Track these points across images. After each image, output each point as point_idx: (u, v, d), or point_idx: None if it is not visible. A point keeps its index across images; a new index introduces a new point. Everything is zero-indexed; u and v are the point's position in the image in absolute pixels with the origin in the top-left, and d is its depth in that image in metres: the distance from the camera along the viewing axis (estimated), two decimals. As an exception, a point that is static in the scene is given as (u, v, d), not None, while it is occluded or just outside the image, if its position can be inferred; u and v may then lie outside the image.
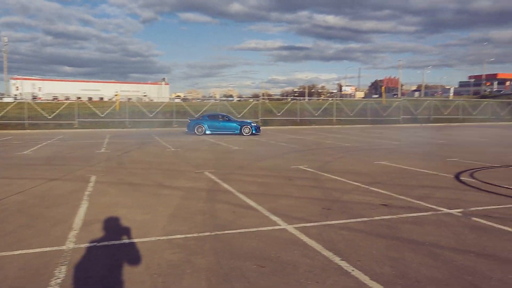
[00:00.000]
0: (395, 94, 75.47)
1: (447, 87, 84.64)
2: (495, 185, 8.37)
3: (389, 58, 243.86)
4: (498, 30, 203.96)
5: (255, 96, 73.33)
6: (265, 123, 33.19)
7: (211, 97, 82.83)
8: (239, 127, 23.80)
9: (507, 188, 8.07)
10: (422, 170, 10.34)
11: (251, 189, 8.00)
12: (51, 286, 3.65)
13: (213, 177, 9.27)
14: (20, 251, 4.53)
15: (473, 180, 9.00)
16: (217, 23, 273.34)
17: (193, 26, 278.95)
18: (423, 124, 35.63)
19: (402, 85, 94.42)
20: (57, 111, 31.58)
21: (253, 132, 23.80)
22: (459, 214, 6.12)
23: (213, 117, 25.04)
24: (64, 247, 4.64)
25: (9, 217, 5.97)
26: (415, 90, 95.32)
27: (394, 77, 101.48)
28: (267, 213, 6.11)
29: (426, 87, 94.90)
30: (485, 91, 68.39)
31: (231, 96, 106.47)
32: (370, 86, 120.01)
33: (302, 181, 8.96)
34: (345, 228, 5.41)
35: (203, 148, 16.42)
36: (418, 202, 6.88)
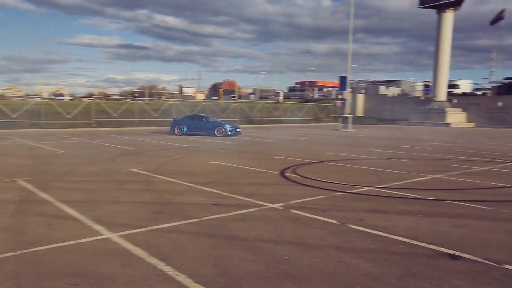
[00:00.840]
0: (233, 97, 79.39)
1: (278, 91, 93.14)
2: (312, 178, 9.40)
3: (227, 62, 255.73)
4: (317, 43, 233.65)
5: (90, 96, 68.01)
6: (100, 124, 31.03)
7: (36, 95, 73.48)
8: (213, 128, 23.48)
9: (320, 181, 9.14)
10: (253, 168, 10.99)
11: (75, 197, 7.26)
12: None
13: (28, 186, 8.11)
14: None
15: (295, 175, 9.94)
16: (44, 13, 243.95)
17: (16, 13, 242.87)
18: (258, 125, 38.31)
19: (239, 88, 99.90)
20: None
21: (228, 133, 23.24)
22: (281, 208, 6.64)
23: (192, 117, 25.62)
24: None
25: None
26: (251, 93, 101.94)
27: (232, 80, 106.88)
28: (89, 223, 5.59)
29: (261, 90, 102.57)
30: (309, 96, 77.64)
31: (61, 94, 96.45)
32: (210, 88, 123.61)
33: (134, 184, 8.55)
34: (174, 231, 5.31)
35: (21, 153, 14.34)
36: (246, 199, 7.23)
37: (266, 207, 6.68)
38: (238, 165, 11.64)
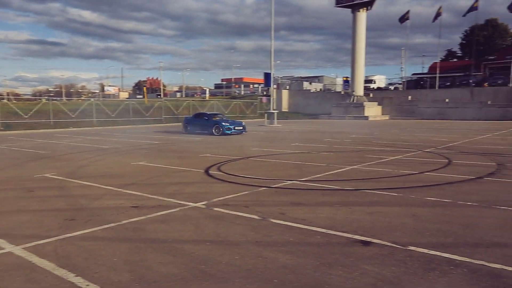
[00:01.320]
0: (158, 95, 77.44)
1: (204, 89, 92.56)
2: (236, 175, 9.44)
3: (151, 59, 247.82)
4: (242, 40, 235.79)
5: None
6: (8, 127, 28.52)
7: None
8: (212, 126, 22.77)
9: (244, 177, 9.21)
10: (177, 168, 10.77)
11: (-26, 208, 6.57)
12: None
13: None
14: None
15: (220, 173, 9.91)
16: None
17: None
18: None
19: (164, 86, 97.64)
20: None
21: (226, 132, 22.18)
22: (203, 206, 6.57)
23: (198, 115, 25.40)
24: None
25: None
26: (177, 91, 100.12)
27: (157, 78, 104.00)
28: (-10, 236, 5.08)
29: (187, 88, 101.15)
30: (235, 92, 78.18)
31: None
32: (134, 87, 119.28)
33: (45, 191, 7.96)
34: (88, 239, 5.01)
35: None
36: (168, 199, 7.05)
37: (188, 206, 6.57)
38: (162, 165, 11.34)
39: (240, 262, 4.21)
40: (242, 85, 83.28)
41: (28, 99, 60.66)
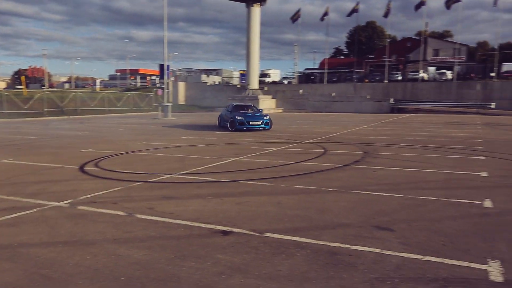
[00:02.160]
0: (42, 85, 70.66)
1: (98, 79, 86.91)
2: (113, 171, 9.03)
3: (35, 46, 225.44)
4: (138, 30, 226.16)
5: None
6: None
7: None
8: (228, 120, 20.62)
9: (121, 172, 8.86)
10: (48, 165, 9.95)
11: None
12: None
13: None
14: None
15: (97, 168, 9.39)
16: None
17: None
18: (71, 116, 35.02)
19: (51, 76, 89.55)
20: None
21: (238, 127, 19.73)
22: (67, 205, 6.16)
23: (235, 107, 21.92)
24: None
25: None
26: (65, 82, 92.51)
27: (40, 66, 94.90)
28: None
29: (78, 79, 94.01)
30: (131, 84, 74.77)
31: None
32: (13, 76, 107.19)
33: None
34: None
35: None
36: (27, 200, 6.48)
37: (49, 206, 6.10)
38: (32, 162, 10.38)
39: (90, 262, 4.03)
40: (139, 77, 79.85)
41: None
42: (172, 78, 58.58)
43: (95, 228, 5.07)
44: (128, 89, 61.14)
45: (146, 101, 47.94)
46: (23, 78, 49.39)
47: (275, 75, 68.35)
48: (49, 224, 5.26)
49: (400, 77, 53.11)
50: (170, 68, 63.01)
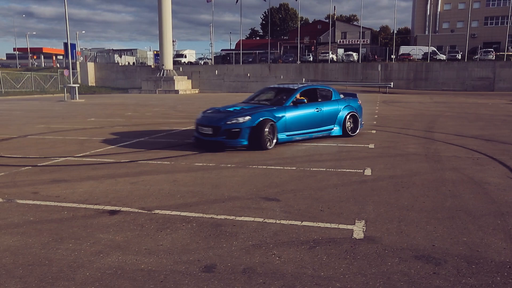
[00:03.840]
0: None
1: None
2: (1, 156, 8.29)
3: None
4: (40, 5, 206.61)
5: None
6: None
7: None
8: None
9: (8, 157, 8.15)
10: None
11: None
12: None
13: None
14: None
15: (-19, 154, 8.52)
16: None
17: None
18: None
19: None
20: None
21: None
22: None
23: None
24: None
25: None
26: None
27: None
28: None
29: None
30: (33, 64, 68.43)
31: None
32: None
33: None
34: None
35: None
36: None
37: None
38: None
39: (-49, 252, 3.67)
40: (42, 56, 73.24)
41: None
42: (81, 58, 54.78)
43: (-35, 217, 4.62)
44: (29, 69, 55.95)
45: (51, 82, 44.34)
46: None
47: (191, 55, 67.06)
48: None
49: (311, 58, 55.20)
50: (79, 48, 58.79)
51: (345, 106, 10.58)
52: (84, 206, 4.99)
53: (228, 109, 9.30)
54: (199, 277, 3.20)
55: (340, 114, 10.42)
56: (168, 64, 48.19)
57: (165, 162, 7.64)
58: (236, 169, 7.03)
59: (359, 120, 10.94)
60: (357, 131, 10.83)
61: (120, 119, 16.44)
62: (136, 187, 5.89)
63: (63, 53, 73.78)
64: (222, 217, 4.54)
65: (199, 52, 71.88)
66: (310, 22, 79.22)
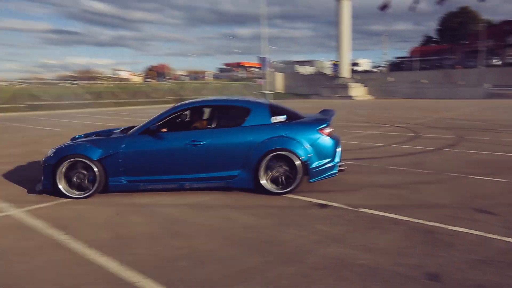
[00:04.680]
0: (166, 78, 76.72)
1: (208, 72, 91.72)
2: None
3: (160, 46, 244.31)
4: (241, 28, 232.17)
5: (22, 80, 61.66)
6: (34, 108, 28.38)
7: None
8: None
9: None
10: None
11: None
12: None
13: None
14: None
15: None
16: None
17: None
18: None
19: (172, 71, 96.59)
20: None
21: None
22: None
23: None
24: None
25: None
26: (184, 75, 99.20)
27: (165, 63, 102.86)
28: (-5, 202, 5.12)
29: (193, 72, 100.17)
30: (236, 76, 77.47)
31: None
32: (146, 71, 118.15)
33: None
34: (81, 202, 5.04)
35: None
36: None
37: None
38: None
39: (209, 222, 4.26)
40: (242, 69, 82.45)
41: (50, 83, 60.23)
42: (271, 69, 59.18)
43: (212, 195, 5.31)
44: (234, 80, 63.39)
45: (249, 90, 49.22)
46: (153, 73, 53.96)
47: (365, 64, 65.08)
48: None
49: (497, 62, 46.75)
50: (269, 61, 63.56)
51: (270, 139, 5.22)
52: (296, 197, 5.18)
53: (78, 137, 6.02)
54: (424, 283, 2.88)
55: (253, 152, 5.18)
56: (345, 72, 47.77)
57: (359, 163, 7.42)
58: (433, 175, 6.32)
59: (302, 165, 5.17)
60: (293, 185, 5.21)
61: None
62: (336, 184, 5.84)
63: (257, 66, 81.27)
64: (433, 224, 4.07)
65: (373, 61, 69.22)
66: (495, 23, 67.15)
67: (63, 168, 5.08)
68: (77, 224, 4.25)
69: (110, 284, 2.93)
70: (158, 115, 5.49)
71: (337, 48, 47.36)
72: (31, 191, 5.54)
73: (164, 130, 5.38)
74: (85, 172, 5.12)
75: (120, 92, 36.01)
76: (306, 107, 29.73)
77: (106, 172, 5.14)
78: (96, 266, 3.22)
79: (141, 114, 22.29)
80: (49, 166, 5.12)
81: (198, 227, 4.10)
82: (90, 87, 40.56)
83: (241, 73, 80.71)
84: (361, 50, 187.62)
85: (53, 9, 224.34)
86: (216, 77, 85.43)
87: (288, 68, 67.53)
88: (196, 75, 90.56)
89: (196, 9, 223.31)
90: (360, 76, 52.12)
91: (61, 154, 5.16)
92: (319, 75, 60.21)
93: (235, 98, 6.34)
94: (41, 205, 4.92)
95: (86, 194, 5.14)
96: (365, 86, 48.99)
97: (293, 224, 4.15)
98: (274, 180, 5.22)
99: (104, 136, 5.64)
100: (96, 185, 5.12)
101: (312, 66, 77.77)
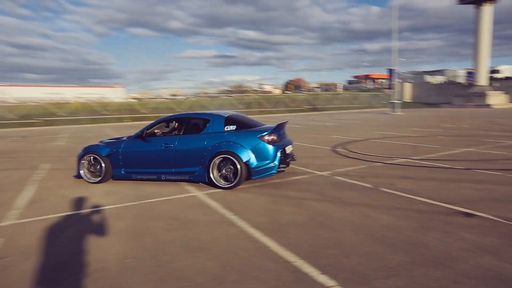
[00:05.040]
0: (301, 90, 78.21)
1: (338, 84, 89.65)
2: (357, 152, 9.05)
3: (297, 63, 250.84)
4: (370, 43, 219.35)
5: (195, 94, 71.63)
6: (202, 115, 32.64)
7: (160, 96, 79.29)
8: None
9: (363, 154, 8.77)
10: (311, 145, 10.85)
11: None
12: None
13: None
14: (-40, 232, 4.06)
15: (344, 150, 9.64)
16: (161, 36, 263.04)
17: (141, 39, 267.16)
18: (321, 112, 37.36)
19: (306, 84, 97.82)
20: (23, 112, 28.44)
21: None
22: (328, 175, 6.55)
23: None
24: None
25: None
26: (316, 87, 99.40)
27: (300, 77, 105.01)
28: (183, 184, 6.05)
29: (324, 84, 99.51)
30: (364, 87, 73.59)
31: (175, 95, 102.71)
32: (284, 85, 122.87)
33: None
34: (242, 191, 5.52)
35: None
36: (302, 168, 7.21)
37: (315, 174, 6.63)
38: (299, 142, 11.55)
39: (350, 218, 4.14)
40: (370, 81, 77.86)
41: (213, 96, 68.10)
42: (399, 80, 54.16)
43: (350, 194, 5.18)
44: (362, 91, 60.38)
45: (377, 99, 46.15)
46: (291, 86, 55.66)
47: (507, 71, 53.59)
48: (317, 186, 5.71)
49: None
50: (397, 72, 58.38)
51: (219, 144, 5.64)
52: (436, 203, 4.60)
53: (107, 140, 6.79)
54: None
55: (206, 153, 5.66)
56: (482, 80, 40.26)
57: (508, 175, 6.14)
58: None
59: (242, 165, 5.48)
60: (236, 180, 5.53)
61: (439, 129, 14.90)
62: (482, 194, 4.96)
63: (385, 77, 75.44)
64: None
65: (517, 67, 56.30)
66: None
67: (85, 160, 6.29)
68: (241, 208, 4.68)
69: (273, 260, 3.12)
70: (147, 125, 6.37)
71: (474, 56, 40.29)
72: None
73: (158, 132, 6.36)
74: (96, 164, 6.25)
75: (264, 102, 38.29)
76: (436, 115, 26.25)
77: (112, 165, 6.19)
78: (260, 243, 3.48)
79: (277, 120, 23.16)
80: (78, 158, 6.38)
81: (340, 221, 4.03)
82: (242, 98, 44.31)
83: (369, 84, 76.27)
84: (501, 56, 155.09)
85: (218, 40, 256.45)
86: (345, 88, 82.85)
87: (416, 78, 60.78)
88: (327, 87, 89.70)
89: (329, 30, 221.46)
90: (500, 83, 43.19)
91: (84, 151, 6.35)
92: (450, 84, 52.31)
93: (201, 112, 6.81)
94: (214, 191, 5.58)
95: (97, 180, 6.20)
96: (507, 94, 40.40)
97: (435, 229, 3.69)
98: (225, 177, 5.63)
99: (115, 140, 6.63)
100: (103, 174, 6.16)
101: (442, 76, 68.16)
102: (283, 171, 6.06)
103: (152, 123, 6.47)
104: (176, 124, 6.57)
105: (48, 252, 3.43)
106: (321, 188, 5.56)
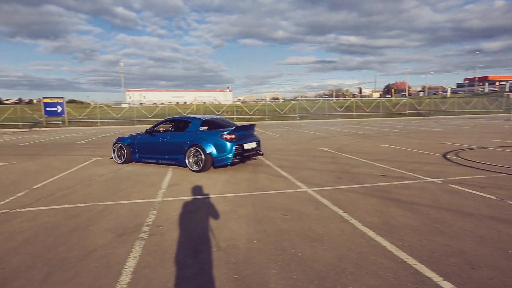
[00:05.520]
0: (403, 94, 71.23)
1: (446, 88, 78.52)
2: (473, 161, 7.91)
3: (398, 67, 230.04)
4: (488, 42, 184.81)
5: (295, 98, 72.36)
6: (302, 117, 32.90)
7: (263, 99, 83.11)
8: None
9: (481, 163, 7.61)
10: (417, 151, 9.94)
11: (285, 164, 8.16)
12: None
13: (258, 156, 9.50)
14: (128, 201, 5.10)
15: (457, 158, 8.54)
16: (267, 45, 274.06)
17: (249, 48, 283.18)
18: (426, 117, 33.51)
19: (409, 87, 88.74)
20: (154, 112, 33.49)
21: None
22: (440, 182, 5.94)
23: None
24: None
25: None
26: (420, 91, 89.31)
27: (403, 81, 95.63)
28: (294, 181, 6.28)
29: (429, 88, 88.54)
30: (478, 90, 62.71)
31: (277, 98, 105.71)
32: (384, 89, 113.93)
33: (323, 158, 8.97)
34: (350, 191, 5.46)
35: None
36: (409, 173, 6.71)
37: (426, 180, 6.08)
38: (404, 148, 10.69)
39: (472, 229, 3.70)
40: (487, 83, 65.79)
41: (312, 100, 67.69)
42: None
43: (469, 204, 4.61)
44: (476, 94, 51.70)
45: (496, 104, 38.93)
46: (392, 89, 51.46)
47: None
48: (429, 192, 5.24)
49: None
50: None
51: (193, 139, 7.30)
52: None
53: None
54: None
55: (185, 145, 7.38)
56: None
57: None
58: None
59: (206, 155, 7.02)
60: (201, 166, 7.09)
61: None
62: None
63: (506, 79, 62.85)
64: None
65: None
66: None
67: (115, 147, 8.52)
68: (351, 206, 4.63)
69: (390, 259, 3.04)
70: (154, 124, 8.41)
71: None
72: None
73: (161, 129, 8.37)
74: (121, 150, 8.42)
75: (363, 106, 36.32)
76: None
77: (131, 151, 8.33)
78: (374, 242, 3.42)
79: (368, 125, 21.78)
80: (113, 146, 8.64)
81: (461, 231, 3.65)
82: (340, 102, 42.94)
83: (485, 87, 64.75)
84: None
85: (318, 46, 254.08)
86: (453, 92, 72.23)
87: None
88: (433, 91, 79.72)
89: (439, 30, 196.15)
90: None
91: (115, 141, 8.61)
92: None
93: (187, 116, 8.30)
94: (322, 188, 5.65)
95: (122, 161, 8.34)
96: None
97: None
98: (196, 163, 7.16)
99: (136, 134, 8.60)
100: (125, 157, 8.30)
101: None
102: (238, 162, 7.16)
103: (157, 123, 8.45)
104: (172, 124, 8.27)
105: (188, 226, 4.05)
106: (434, 195, 5.08)
